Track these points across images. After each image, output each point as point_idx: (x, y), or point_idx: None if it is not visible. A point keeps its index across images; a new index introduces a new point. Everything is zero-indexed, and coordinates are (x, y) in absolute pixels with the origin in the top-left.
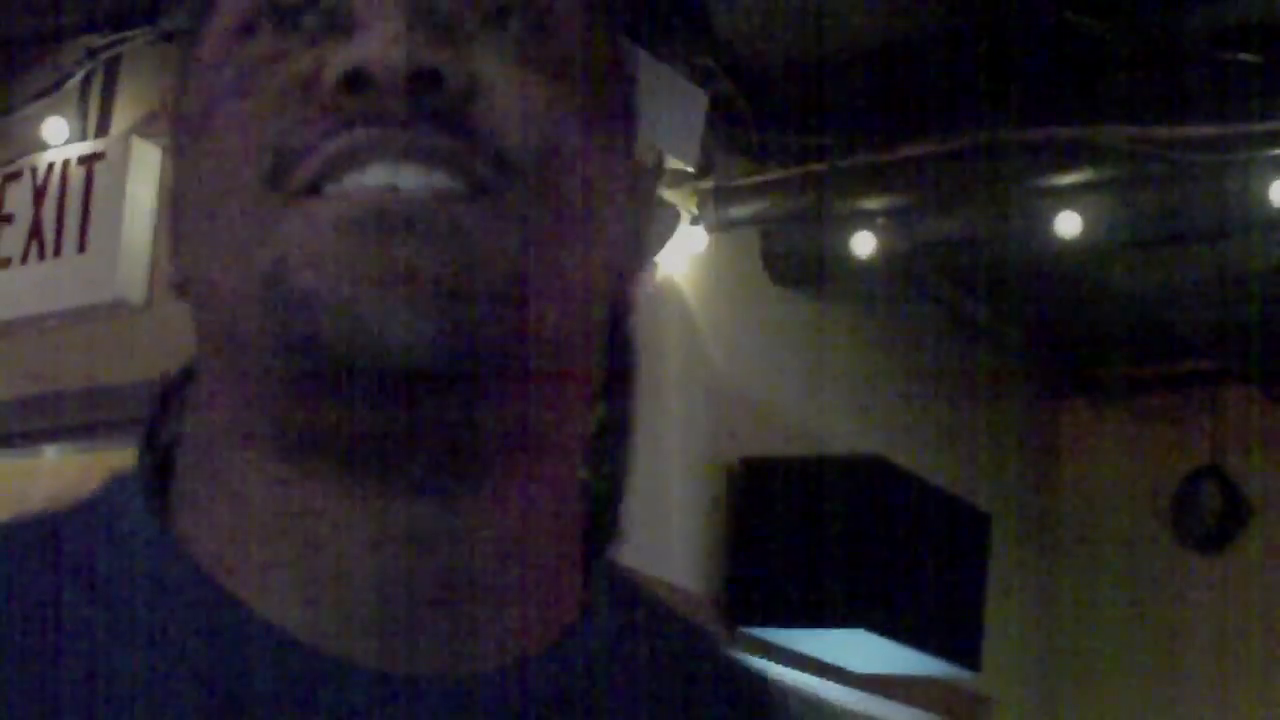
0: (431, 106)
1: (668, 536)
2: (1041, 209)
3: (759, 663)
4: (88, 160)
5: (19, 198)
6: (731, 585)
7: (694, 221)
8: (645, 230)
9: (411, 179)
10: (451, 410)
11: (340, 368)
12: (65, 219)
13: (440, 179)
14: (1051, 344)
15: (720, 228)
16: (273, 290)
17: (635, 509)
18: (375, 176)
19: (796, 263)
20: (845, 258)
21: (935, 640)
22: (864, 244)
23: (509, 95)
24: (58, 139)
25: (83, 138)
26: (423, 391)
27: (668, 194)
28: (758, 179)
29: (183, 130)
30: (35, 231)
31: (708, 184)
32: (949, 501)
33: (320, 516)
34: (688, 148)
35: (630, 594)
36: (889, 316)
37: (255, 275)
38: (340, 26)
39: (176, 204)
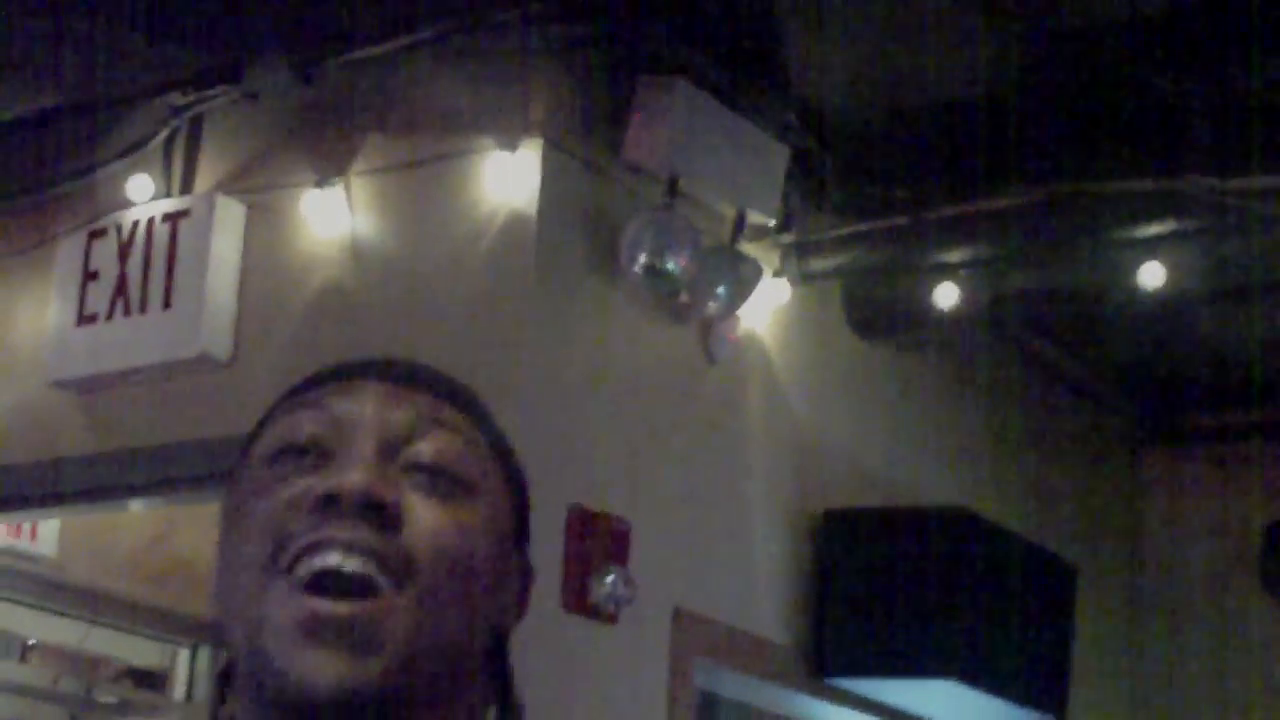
0: (373, 520)
1: (753, 588)
2: (1125, 260)
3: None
4: (172, 217)
5: (105, 254)
6: (818, 636)
7: (776, 275)
8: (520, 598)
9: (351, 565)
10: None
11: (292, 699)
12: (150, 275)
13: (370, 566)
14: (1135, 393)
15: (803, 280)
16: (254, 646)
17: (721, 561)
18: (327, 560)
19: (879, 314)
20: (928, 309)
21: (1022, 691)
22: (947, 295)
23: (423, 521)
24: (143, 196)
25: (167, 195)
26: (349, 714)
27: (750, 248)
28: (840, 232)
29: (227, 516)
30: (121, 288)
31: (789, 237)
32: (1035, 553)
33: None
34: (769, 201)
35: None
36: (972, 367)
37: (247, 631)
38: (327, 461)
39: (219, 567)
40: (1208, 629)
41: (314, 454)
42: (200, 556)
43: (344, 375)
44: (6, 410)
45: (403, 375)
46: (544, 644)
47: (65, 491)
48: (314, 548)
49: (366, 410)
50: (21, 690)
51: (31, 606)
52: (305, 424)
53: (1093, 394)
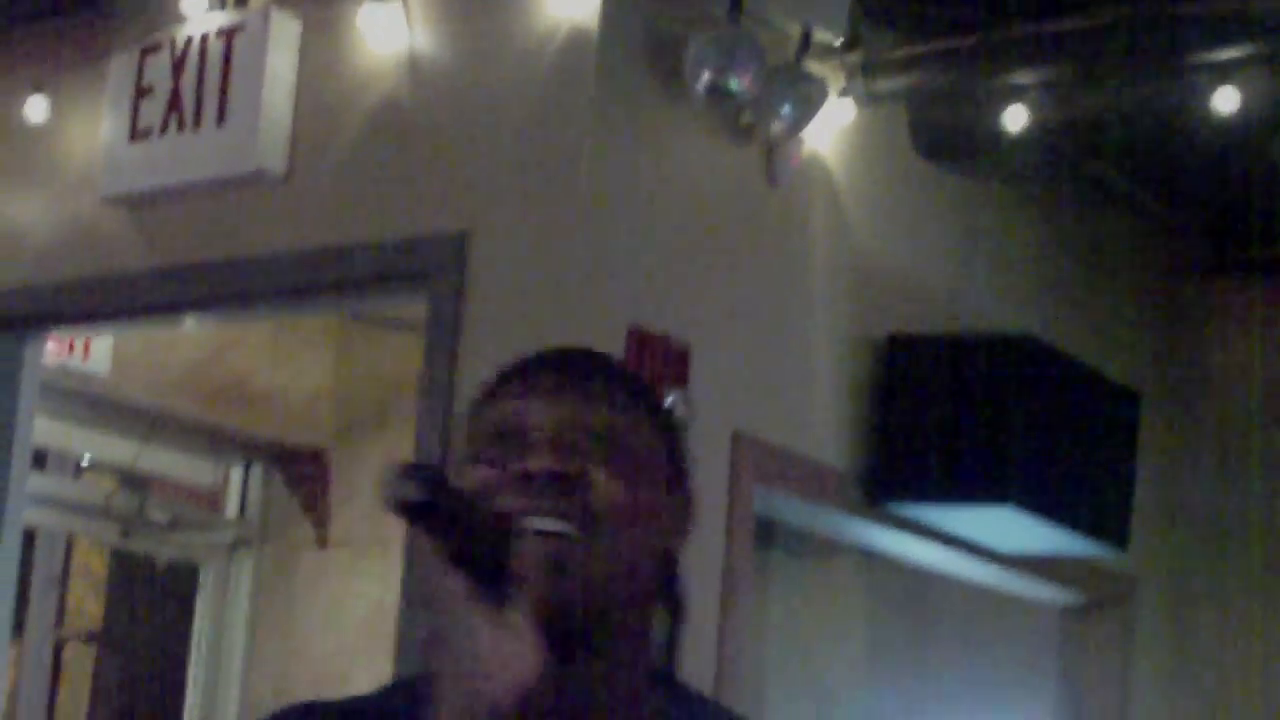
0: (563, 489)
1: (813, 413)
2: (1199, 84)
3: None
4: (227, 32)
5: (158, 70)
6: (877, 462)
7: (841, 95)
8: (683, 525)
9: (549, 525)
10: (590, 626)
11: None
12: (205, 91)
13: (564, 526)
14: (1203, 221)
15: (869, 101)
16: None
17: (781, 384)
18: (534, 525)
19: (945, 137)
20: (996, 132)
21: (1083, 519)
22: (1016, 118)
23: (599, 484)
24: (197, 11)
25: (222, 9)
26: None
27: (815, 67)
28: (907, 52)
29: (464, 428)
30: (174, 103)
31: (856, 57)
32: (1098, 380)
33: None
34: (836, 19)
35: (696, 696)
36: (1039, 193)
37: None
38: (528, 445)
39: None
40: (1266, 459)
41: (513, 436)
42: (253, 375)
43: (536, 368)
44: (59, 226)
45: (580, 365)
46: None
47: (118, 308)
48: (518, 512)
49: (553, 399)
50: (74, 507)
51: (84, 425)
52: (509, 413)
53: (1160, 220)
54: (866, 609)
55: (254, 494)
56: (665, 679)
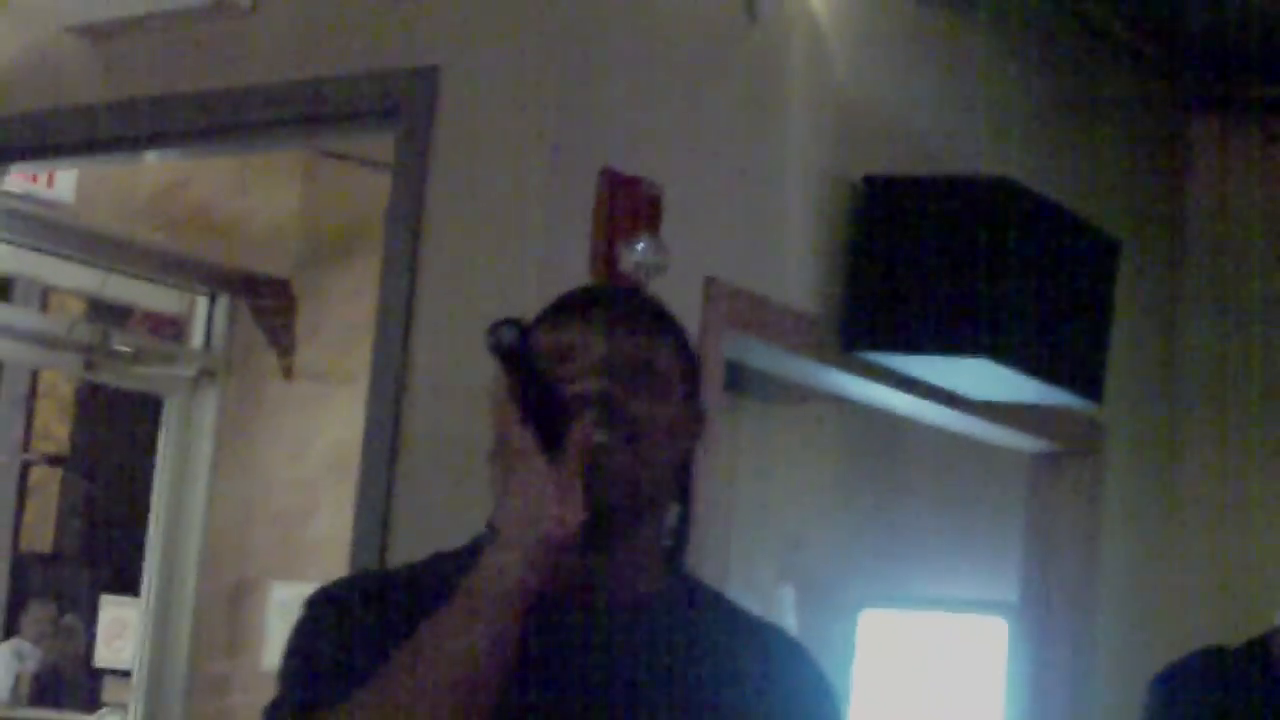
0: (609, 407)
1: (787, 257)
2: None
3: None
4: None
5: None
6: (851, 308)
7: None
8: (696, 431)
9: (598, 437)
10: (620, 515)
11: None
12: None
13: (611, 437)
14: (1187, 59)
15: None
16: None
17: (755, 228)
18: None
19: None
20: None
21: (1057, 369)
22: None
23: (636, 401)
24: None
25: None
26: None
27: None
28: None
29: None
30: None
31: None
32: (1078, 227)
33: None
34: None
35: (695, 581)
36: (1023, 31)
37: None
38: (581, 368)
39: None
40: (1248, 306)
41: (568, 359)
42: (218, 203)
43: (583, 301)
44: (17, 56)
45: (621, 300)
46: None
47: (78, 142)
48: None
49: (600, 330)
50: (39, 339)
51: (50, 253)
52: (566, 340)
53: (1143, 59)
54: (837, 455)
55: (219, 326)
56: (670, 560)
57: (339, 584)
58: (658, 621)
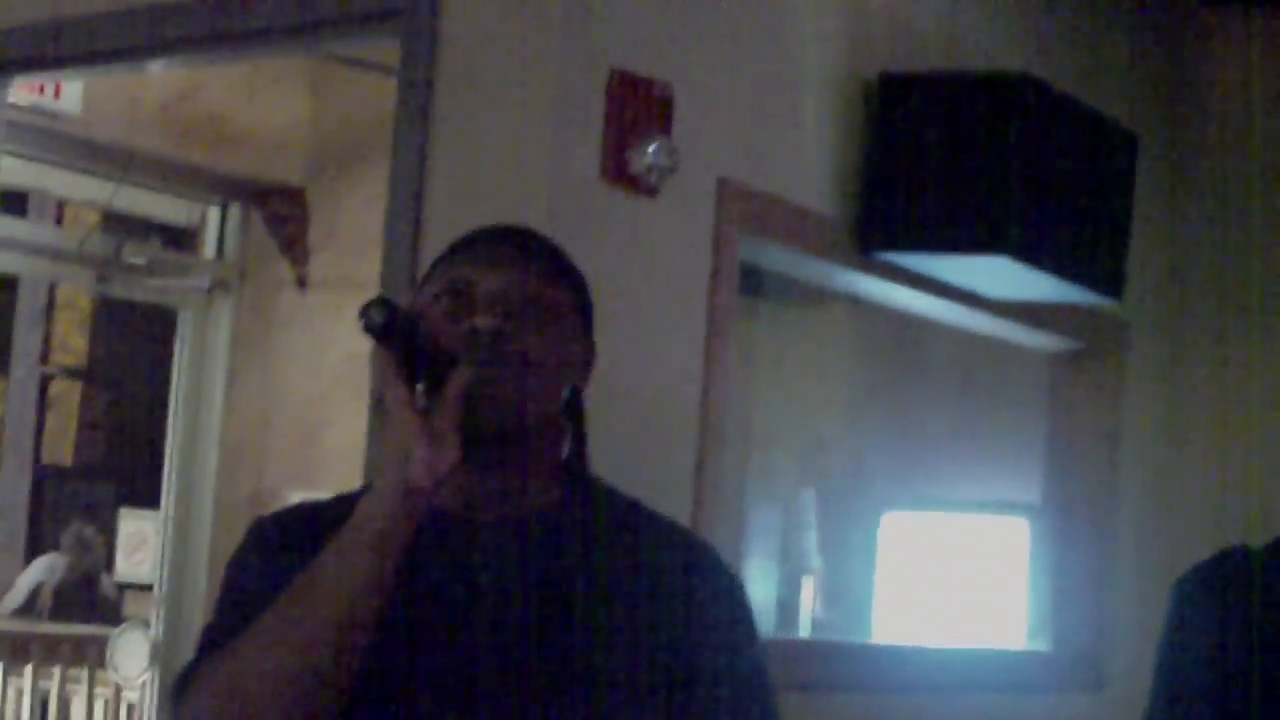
0: (501, 341)
1: (801, 158)
2: None
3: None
4: None
5: None
6: (867, 208)
7: None
8: (586, 366)
9: (486, 373)
10: (511, 434)
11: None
12: None
13: (500, 371)
14: None
15: None
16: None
17: (768, 129)
18: (477, 370)
19: None
20: None
21: (1077, 267)
22: None
23: (525, 334)
24: None
25: None
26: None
27: None
28: None
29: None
30: None
31: None
32: (1098, 121)
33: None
34: None
35: (601, 488)
36: None
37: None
38: (476, 303)
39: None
40: (1262, 201)
41: (464, 295)
42: (229, 111)
43: (482, 240)
44: None
45: (514, 238)
46: (583, 217)
47: (82, 53)
48: (467, 350)
49: (495, 265)
50: (54, 252)
51: (58, 165)
52: (463, 276)
53: None
54: (855, 356)
55: (232, 236)
56: (573, 475)
57: (276, 515)
58: (559, 532)
